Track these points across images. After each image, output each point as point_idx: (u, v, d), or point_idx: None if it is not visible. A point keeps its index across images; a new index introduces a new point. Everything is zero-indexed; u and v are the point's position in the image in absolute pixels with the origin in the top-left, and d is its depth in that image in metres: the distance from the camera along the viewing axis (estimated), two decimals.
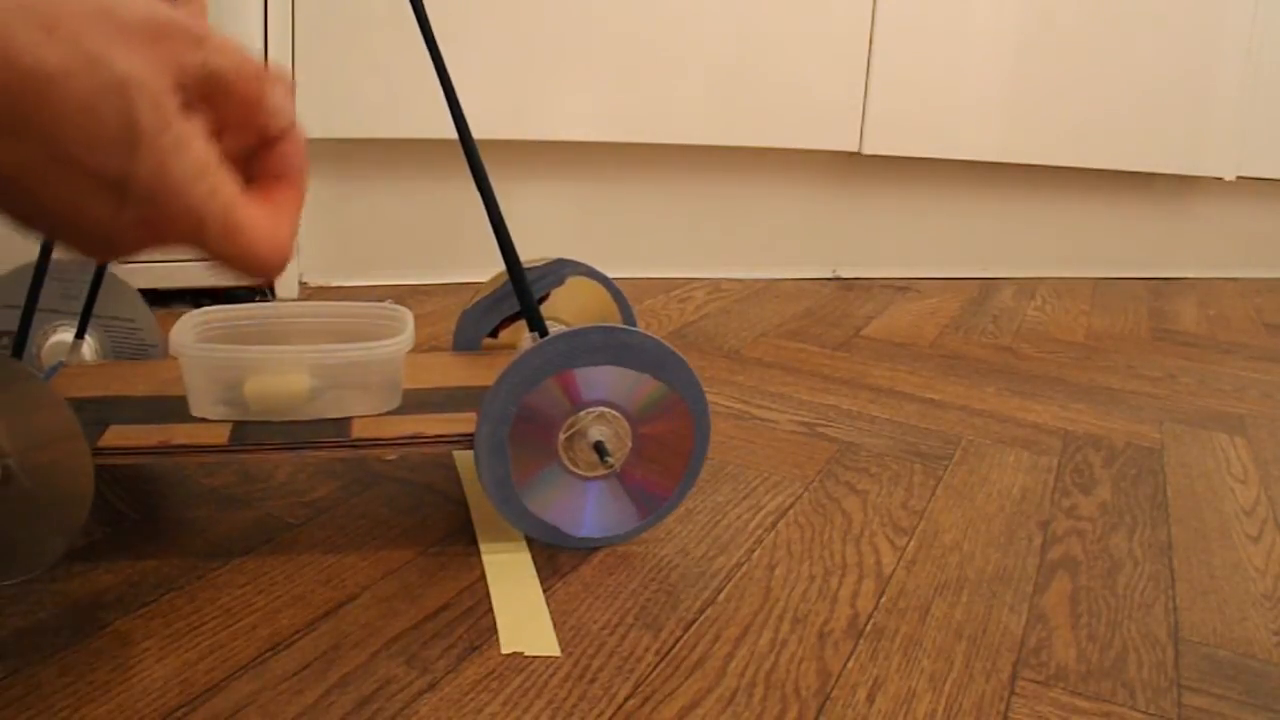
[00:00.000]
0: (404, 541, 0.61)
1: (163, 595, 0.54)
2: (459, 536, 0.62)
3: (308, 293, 1.17)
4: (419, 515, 0.65)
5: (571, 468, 0.59)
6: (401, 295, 1.17)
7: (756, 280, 1.37)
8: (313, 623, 0.53)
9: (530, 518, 0.59)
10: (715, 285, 1.33)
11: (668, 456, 0.60)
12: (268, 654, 0.50)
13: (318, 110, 1.10)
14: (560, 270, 0.73)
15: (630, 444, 0.59)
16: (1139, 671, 0.54)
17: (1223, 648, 0.57)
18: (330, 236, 1.20)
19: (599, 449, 0.58)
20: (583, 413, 0.58)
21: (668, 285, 1.31)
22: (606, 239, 1.33)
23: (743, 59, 1.28)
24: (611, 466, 0.59)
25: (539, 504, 0.59)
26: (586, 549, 0.61)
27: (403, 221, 1.23)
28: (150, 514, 0.63)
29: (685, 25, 1.25)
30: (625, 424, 0.59)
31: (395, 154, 1.19)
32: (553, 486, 0.59)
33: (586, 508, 0.60)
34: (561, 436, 0.58)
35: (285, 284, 1.14)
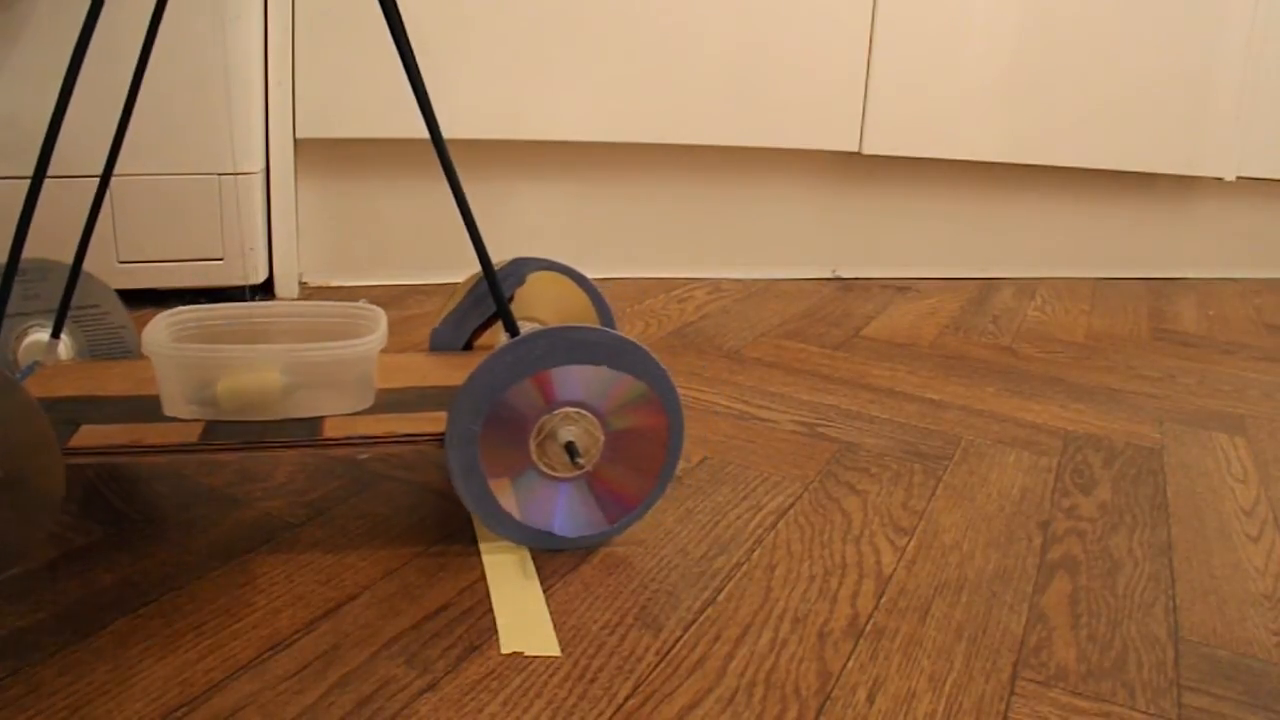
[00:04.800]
0: (404, 541, 0.61)
1: (163, 595, 0.54)
2: (459, 536, 0.62)
3: (308, 292, 1.17)
4: (419, 515, 0.65)
5: (544, 468, 0.59)
6: (401, 295, 1.18)
7: (756, 280, 1.37)
8: (313, 623, 0.52)
9: (504, 517, 0.59)
10: (715, 285, 1.33)
11: (643, 456, 0.60)
12: (268, 654, 0.50)
13: (318, 110, 1.10)
14: (520, 269, 0.73)
15: (602, 444, 0.59)
16: (1139, 671, 0.54)
17: (1223, 648, 0.57)
18: (330, 236, 1.20)
19: (569, 449, 0.58)
20: (554, 413, 0.58)
21: (668, 285, 1.31)
22: (606, 239, 1.33)
23: (743, 59, 1.28)
24: (582, 467, 0.59)
25: (512, 503, 0.59)
26: (582, 549, 0.61)
27: (403, 221, 1.23)
28: (150, 514, 0.63)
29: (685, 25, 1.25)
30: (597, 424, 0.59)
31: (395, 154, 1.19)
32: (526, 486, 0.59)
33: (558, 508, 0.60)
34: (533, 437, 0.58)
35: (285, 284, 1.14)
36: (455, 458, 0.57)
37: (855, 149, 1.35)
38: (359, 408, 0.61)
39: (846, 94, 1.33)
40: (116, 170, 0.99)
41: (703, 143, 1.30)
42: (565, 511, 0.60)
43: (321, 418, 0.60)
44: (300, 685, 0.48)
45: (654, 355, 0.59)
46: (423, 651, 0.51)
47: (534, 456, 0.58)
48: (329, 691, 0.47)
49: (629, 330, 1.10)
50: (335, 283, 1.21)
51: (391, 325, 1.04)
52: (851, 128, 1.34)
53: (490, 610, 0.55)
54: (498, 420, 0.57)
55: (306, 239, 1.19)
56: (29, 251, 0.65)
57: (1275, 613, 0.61)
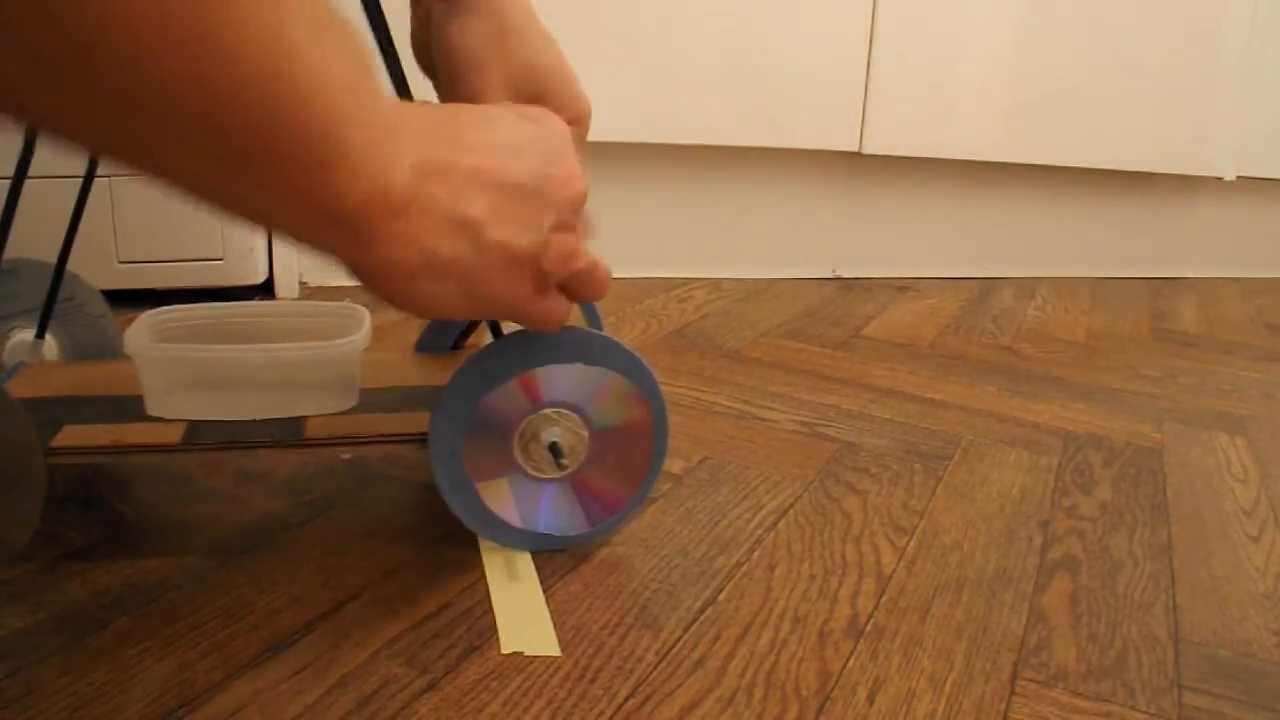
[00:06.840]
0: (404, 541, 0.61)
1: (163, 595, 0.54)
2: (459, 536, 0.62)
3: (308, 292, 1.17)
4: (419, 515, 0.65)
5: (529, 470, 0.59)
6: None
7: (756, 280, 1.37)
8: (312, 623, 0.53)
9: (488, 517, 0.59)
10: (715, 285, 1.33)
11: (629, 453, 0.60)
12: (268, 654, 0.50)
13: None
14: None
15: (588, 444, 0.59)
16: (1139, 671, 0.54)
17: (1223, 648, 0.57)
18: None
19: (554, 450, 0.57)
20: (537, 414, 0.58)
21: (668, 285, 1.31)
22: (606, 239, 1.32)
23: (742, 59, 1.28)
24: (566, 468, 0.58)
25: (496, 503, 0.59)
26: (582, 550, 0.61)
27: None
28: (150, 514, 0.63)
29: (684, 25, 1.25)
30: (581, 425, 0.59)
31: None
32: (511, 489, 0.59)
33: (543, 509, 0.60)
34: (517, 439, 0.58)
35: (285, 284, 1.14)
36: (438, 462, 0.57)
37: (855, 149, 1.35)
38: (342, 408, 0.61)
39: (846, 94, 1.33)
40: (117, 171, 1.00)
41: (703, 143, 1.30)
42: (551, 512, 0.60)
43: (304, 417, 0.60)
44: (300, 685, 0.48)
45: (635, 352, 0.58)
46: (423, 651, 0.51)
47: (518, 458, 0.58)
48: (329, 691, 0.47)
49: (629, 330, 1.10)
50: (335, 283, 1.21)
51: (391, 325, 1.04)
52: (851, 128, 1.34)
53: (490, 610, 0.55)
54: (481, 424, 0.57)
55: None
56: (24, 252, 0.65)
57: (1275, 613, 0.61)
